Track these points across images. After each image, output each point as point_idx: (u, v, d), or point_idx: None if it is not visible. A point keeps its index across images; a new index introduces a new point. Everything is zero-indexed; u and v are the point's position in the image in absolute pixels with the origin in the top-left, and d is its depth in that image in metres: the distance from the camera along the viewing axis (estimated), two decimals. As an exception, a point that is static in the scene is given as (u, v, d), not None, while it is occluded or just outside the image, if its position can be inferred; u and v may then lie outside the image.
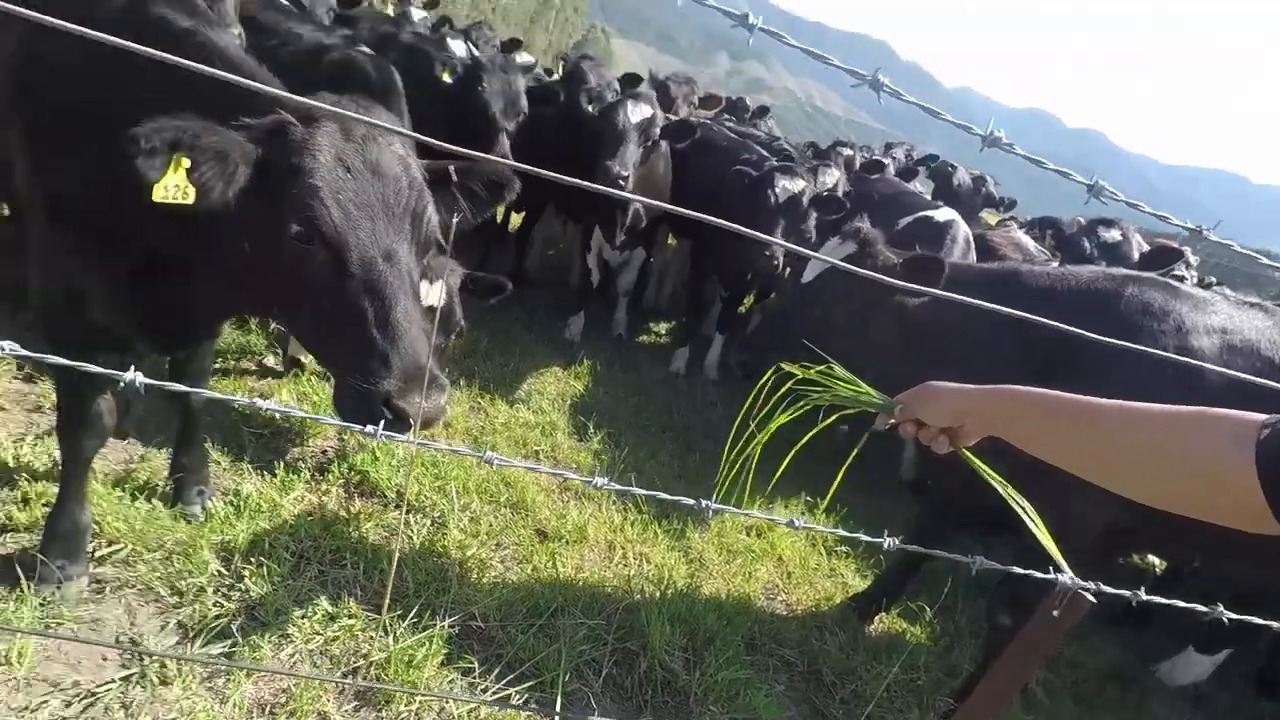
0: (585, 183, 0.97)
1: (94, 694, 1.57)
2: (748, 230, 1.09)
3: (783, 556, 3.09)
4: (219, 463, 2.48)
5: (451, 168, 1.52)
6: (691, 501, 1.16)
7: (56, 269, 1.61)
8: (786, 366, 1.28)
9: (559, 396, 3.96)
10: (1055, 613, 1.12)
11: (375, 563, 2.20)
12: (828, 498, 3.46)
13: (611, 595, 2.45)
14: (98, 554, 1.92)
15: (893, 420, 1.20)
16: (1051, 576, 1.13)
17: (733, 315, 4.95)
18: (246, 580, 1.97)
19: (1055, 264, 4.28)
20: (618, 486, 1.15)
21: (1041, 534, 1.09)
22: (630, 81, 5.11)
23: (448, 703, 1.79)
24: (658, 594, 2.48)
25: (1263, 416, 0.78)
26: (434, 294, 2.25)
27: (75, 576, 1.82)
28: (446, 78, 4.11)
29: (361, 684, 1.81)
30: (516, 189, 1.59)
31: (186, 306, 1.59)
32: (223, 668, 1.73)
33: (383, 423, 1.25)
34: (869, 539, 1.24)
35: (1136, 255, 4.41)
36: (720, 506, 1.15)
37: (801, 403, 1.27)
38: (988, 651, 2.58)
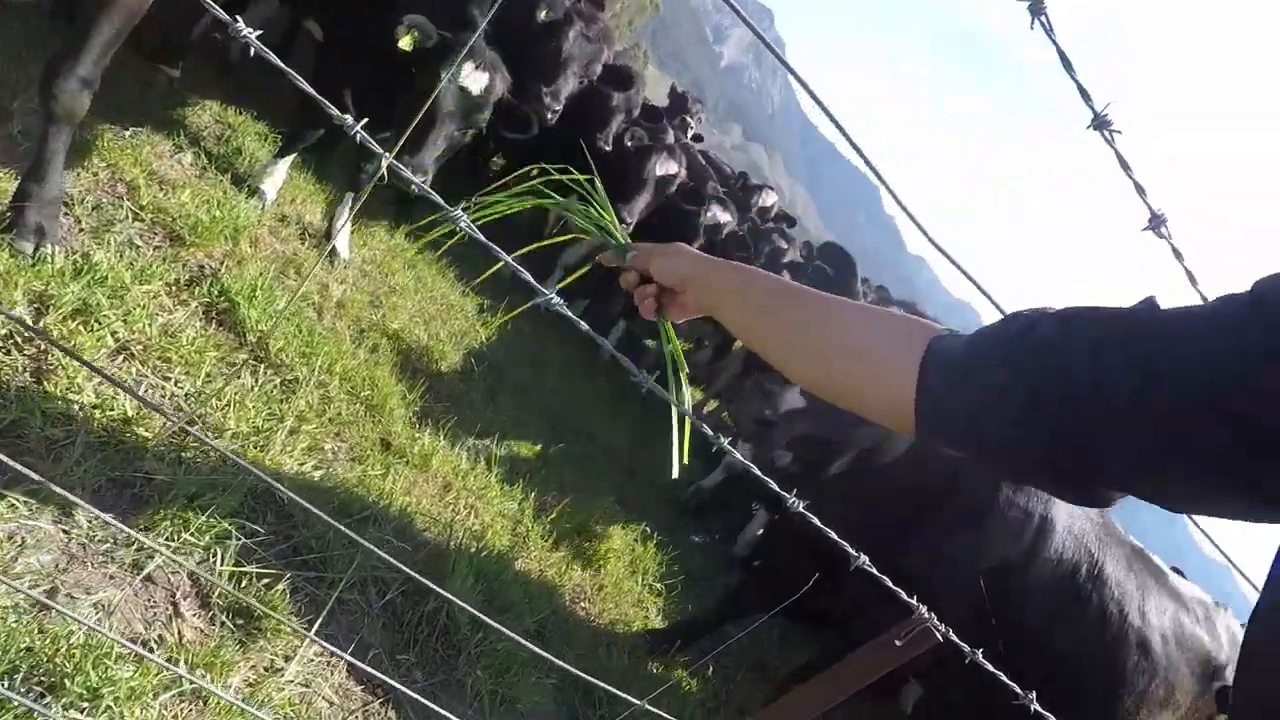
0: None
1: None
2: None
3: (603, 568, 3.05)
4: (80, 222, 2.20)
5: None
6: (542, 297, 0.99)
7: None
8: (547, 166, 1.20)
9: (459, 333, 3.82)
10: (899, 641, 1.13)
11: (204, 393, 2.00)
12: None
13: (428, 530, 2.33)
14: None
15: (617, 264, 1.10)
16: (913, 604, 1.15)
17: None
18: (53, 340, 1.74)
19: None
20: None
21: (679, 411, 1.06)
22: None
23: (213, 554, 1.62)
24: (473, 547, 2.38)
25: (937, 328, 0.79)
26: (477, 82, 2.17)
27: None
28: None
29: (129, 497, 1.61)
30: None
31: None
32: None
33: None
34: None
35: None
36: (553, 298, 0.98)
37: (529, 200, 1.20)
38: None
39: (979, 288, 1.36)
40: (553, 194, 1.20)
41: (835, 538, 1.15)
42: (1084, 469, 0.64)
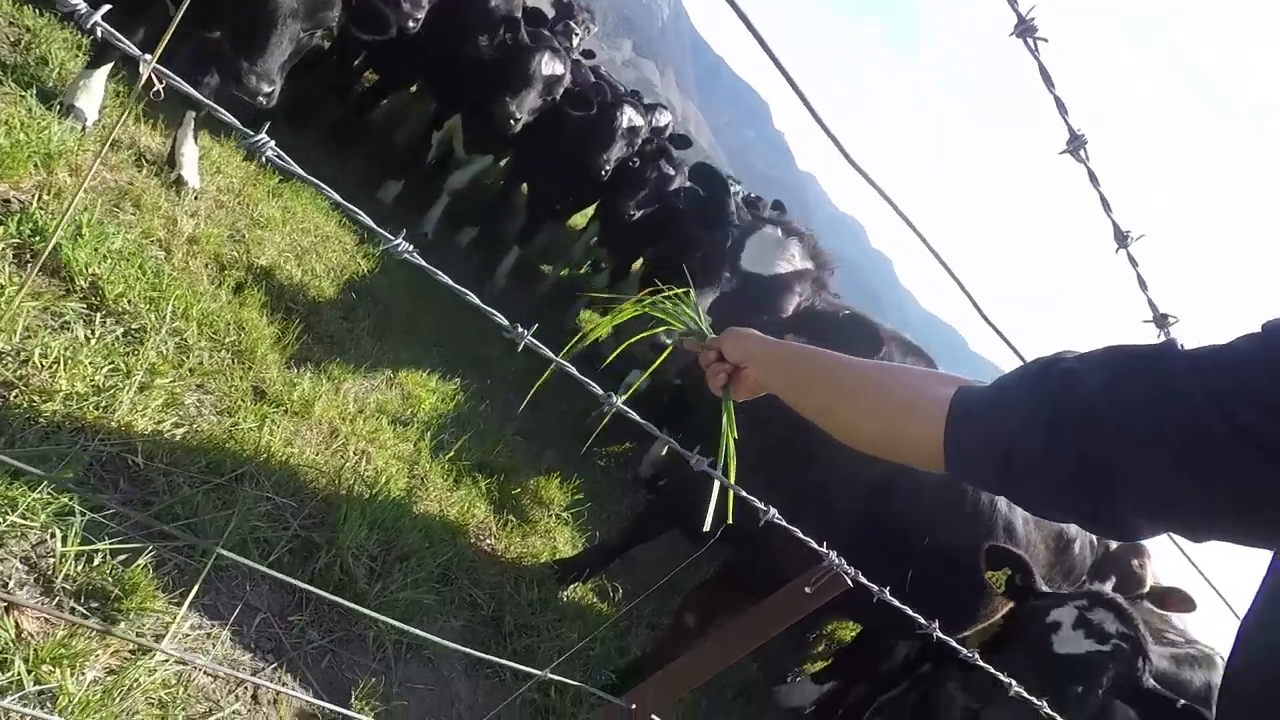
0: None
1: None
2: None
3: (507, 503, 3.00)
4: None
5: None
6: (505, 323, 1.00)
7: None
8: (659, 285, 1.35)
9: (337, 267, 3.53)
10: (809, 589, 1.14)
11: (24, 350, 1.73)
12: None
13: (314, 481, 2.18)
14: None
15: (697, 347, 1.24)
16: (822, 551, 1.15)
17: (531, 236, 4.84)
18: None
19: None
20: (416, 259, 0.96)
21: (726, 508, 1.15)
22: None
23: (52, 535, 1.43)
24: (367, 494, 2.26)
25: (967, 380, 0.84)
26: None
27: None
28: None
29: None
30: None
31: None
32: None
33: None
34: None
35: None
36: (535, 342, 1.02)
37: (642, 307, 1.34)
38: (660, 644, 2.71)
39: (878, 189, 1.31)
40: (660, 307, 1.35)
41: (745, 495, 1.14)
42: (1111, 501, 0.65)
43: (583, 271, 6.40)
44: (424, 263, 0.86)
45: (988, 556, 2.31)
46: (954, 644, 1.40)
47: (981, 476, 0.76)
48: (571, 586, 2.84)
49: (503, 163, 5.27)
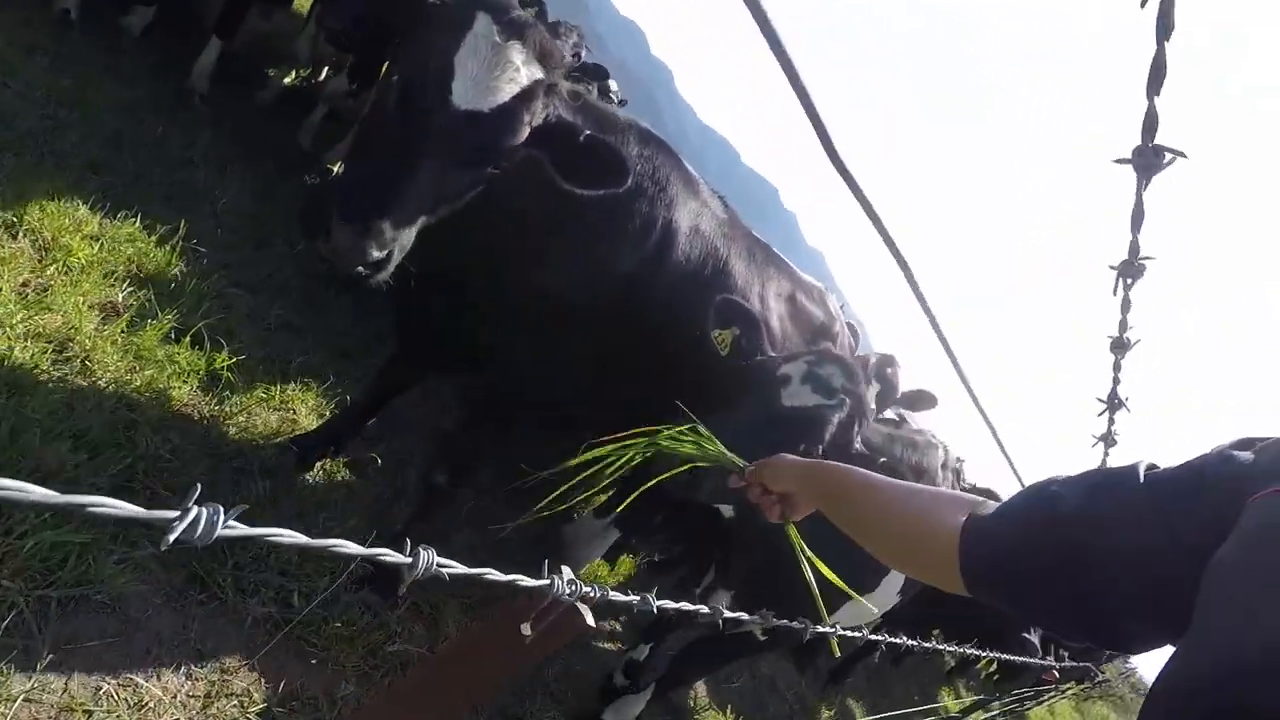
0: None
1: None
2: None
3: (222, 371, 2.41)
4: None
5: None
6: None
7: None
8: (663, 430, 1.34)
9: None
10: (527, 629, 0.82)
11: None
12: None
13: None
14: None
15: (742, 483, 1.32)
16: (544, 582, 0.84)
17: (235, 23, 3.68)
18: None
19: None
20: None
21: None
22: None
23: None
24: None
25: (976, 503, 0.90)
26: None
27: None
28: None
29: None
30: None
31: None
32: None
33: None
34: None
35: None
36: None
37: (641, 444, 1.36)
38: (420, 509, 2.42)
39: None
40: (676, 446, 1.40)
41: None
42: (1103, 618, 0.70)
43: (322, 78, 5.13)
44: None
45: (717, 311, 2.20)
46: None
47: (994, 602, 0.81)
48: (317, 467, 2.42)
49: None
